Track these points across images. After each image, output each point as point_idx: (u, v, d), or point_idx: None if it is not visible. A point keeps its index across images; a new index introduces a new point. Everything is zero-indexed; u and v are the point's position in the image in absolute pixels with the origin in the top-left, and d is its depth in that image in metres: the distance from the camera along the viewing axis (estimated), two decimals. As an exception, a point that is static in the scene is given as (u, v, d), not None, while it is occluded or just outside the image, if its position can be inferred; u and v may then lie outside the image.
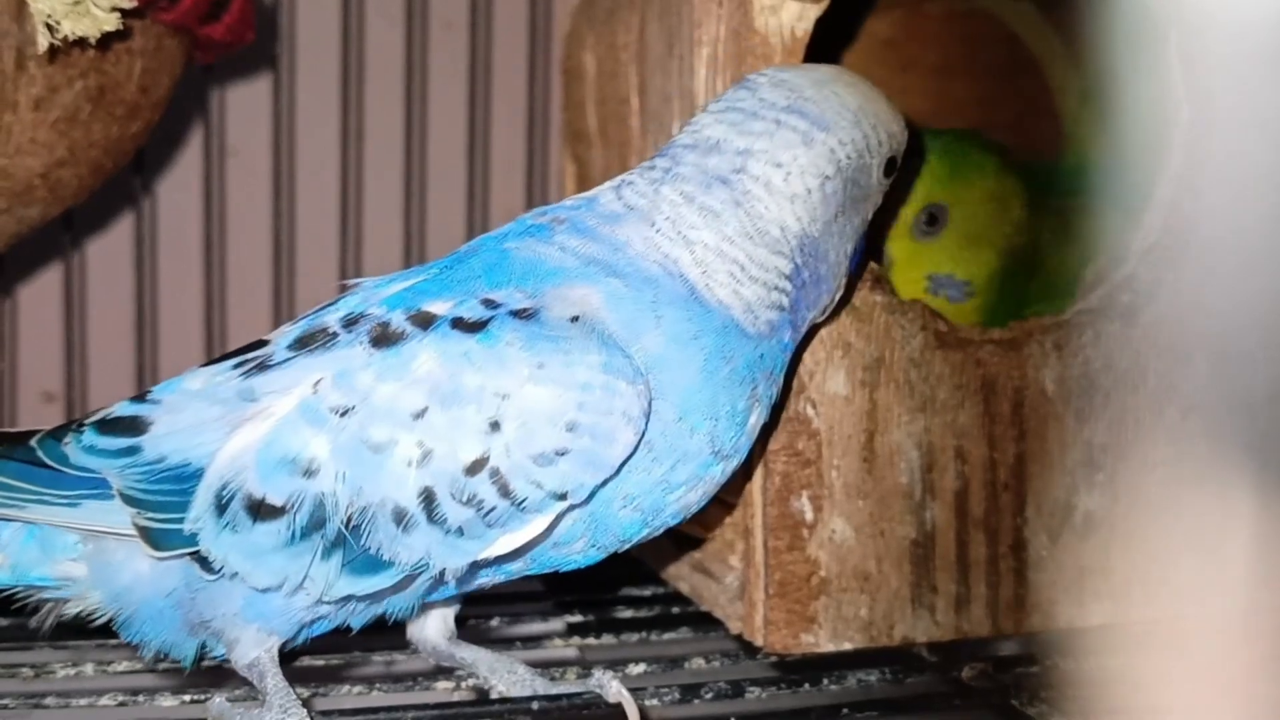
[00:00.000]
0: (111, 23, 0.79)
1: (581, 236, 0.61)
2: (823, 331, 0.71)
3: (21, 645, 0.75)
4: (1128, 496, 0.75)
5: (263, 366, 0.61)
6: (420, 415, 0.57)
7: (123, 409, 0.63)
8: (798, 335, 0.64)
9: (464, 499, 0.57)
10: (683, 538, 0.81)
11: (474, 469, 0.57)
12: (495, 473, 0.57)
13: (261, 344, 0.63)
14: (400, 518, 0.57)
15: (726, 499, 0.76)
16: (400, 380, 0.58)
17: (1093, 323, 0.76)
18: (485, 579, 0.64)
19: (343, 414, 0.58)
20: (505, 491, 0.57)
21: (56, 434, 0.64)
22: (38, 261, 1.14)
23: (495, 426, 0.57)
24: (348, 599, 0.60)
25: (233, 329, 1.17)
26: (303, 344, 0.61)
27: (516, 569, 0.63)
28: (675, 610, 0.83)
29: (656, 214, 0.61)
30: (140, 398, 0.64)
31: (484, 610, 0.82)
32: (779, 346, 0.63)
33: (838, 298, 0.66)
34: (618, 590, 0.87)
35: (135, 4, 0.80)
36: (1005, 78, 1.00)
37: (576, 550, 0.62)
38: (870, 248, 0.70)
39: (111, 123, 0.88)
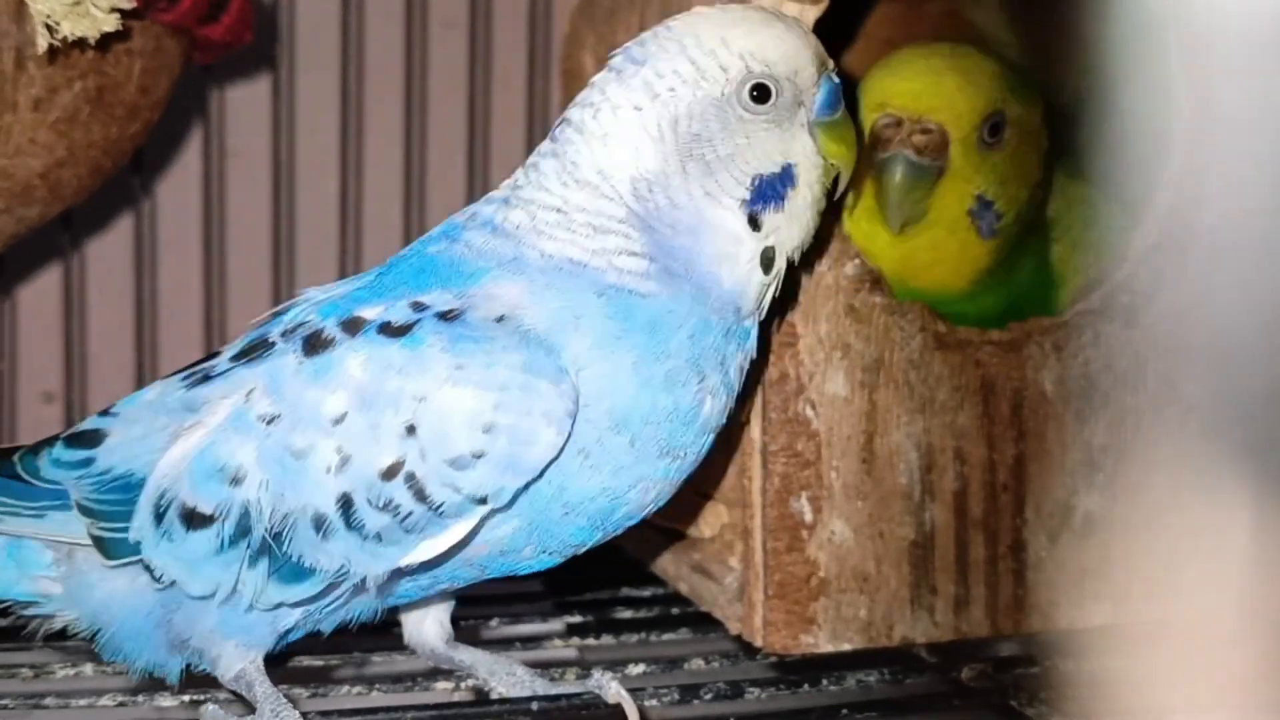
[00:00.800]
0: (111, 23, 0.79)
1: (483, 230, 0.61)
2: (821, 333, 0.71)
3: (21, 646, 0.75)
4: (1127, 497, 0.75)
5: (206, 377, 0.61)
6: (340, 420, 0.57)
7: (90, 422, 0.65)
8: (726, 299, 0.59)
9: (380, 504, 0.56)
10: (681, 538, 0.81)
11: (390, 474, 0.56)
12: (411, 477, 0.56)
13: (214, 355, 0.64)
14: (319, 524, 0.57)
15: (725, 498, 0.76)
16: (324, 387, 0.57)
17: (1092, 323, 0.76)
18: (442, 585, 0.63)
19: (269, 421, 0.58)
20: (421, 496, 0.56)
21: (37, 448, 0.66)
22: (37, 261, 1.14)
23: (411, 430, 0.56)
24: (279, 605, 0.60)
25: (233, 329, 1.17)
26: (244, 355, 0.61)
27: (470, 575, 0.62)
28: (674, 611, 0.83)
29: (512, 191, 0.61)
30: (106, 411, 0.65)
31: (483, 611, 0.82)
32: (708, 316, 0.58)
33: (781, 240, 0.59)
34: (617, 591, 0.86)
35: (134, 4, 0.80)
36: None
37: (526, 557, 0.61)
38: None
39: (111, 123, 0.88)
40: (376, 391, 0.56)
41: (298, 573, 0.58)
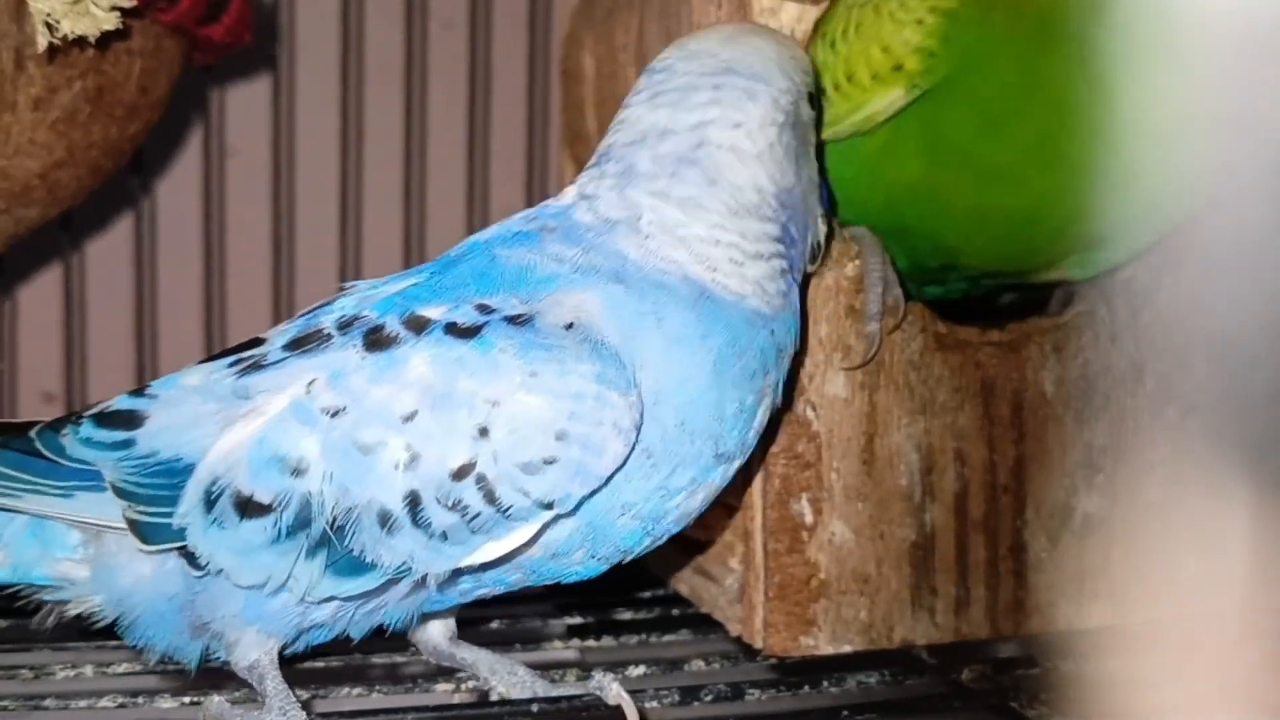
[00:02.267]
0: (111, 22, 0.79)
1: (576, 246, 0.61)
2: (822, 334, 0.71)
3: (21, 647, 0.75)
4: (1127, 498, 0.75)
5: (258, 365, 0.61)
6: (410, 418, 0.57)
7: (121, 402, 0.64)
8: (799, 291, 0.64)
9: (449, 504, 0.57)
10: (682, 539, 0.81)
11: (460, 474, 0.56)
12: (481, 479, 0.56)
13: (258, 342, 0.63)
14: (385, 520, 0.57)
15: (727, 501, 0.75)
16: (392, 383, 0.57)
17: (1091, 324, 0.76)
18: (485, 589, 0.63)
19: (334, 415, 0.58)
20: (491, 498, 0.57)
21: (55, 426, 0.64)
22: (38, 262, 1.14)
23: (484, 433, 0.56)
24: (331, 599, 0.60)
25: (232, 329, 1.17)
26: (297, 345, 0.61)
27: (515, 580, 0.63)
28: (675, 612, 0.83)
29: (640, 221, 0.60)
30: (139, 392, 0.64)
31: (484, 611, 0.82)
32: (789, 314, 0.62)
33: (823, 239, 0.66)
34: (618, 592, 0.86)
35: (134, 3, 0.80)
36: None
37: (576, 561, 0.61)
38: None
39: (110, 123, 0.88)
40: (448, 392, 0.57)
41: (357, 566, 0.58)
